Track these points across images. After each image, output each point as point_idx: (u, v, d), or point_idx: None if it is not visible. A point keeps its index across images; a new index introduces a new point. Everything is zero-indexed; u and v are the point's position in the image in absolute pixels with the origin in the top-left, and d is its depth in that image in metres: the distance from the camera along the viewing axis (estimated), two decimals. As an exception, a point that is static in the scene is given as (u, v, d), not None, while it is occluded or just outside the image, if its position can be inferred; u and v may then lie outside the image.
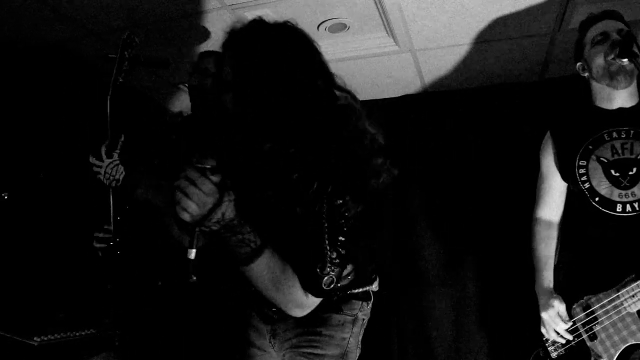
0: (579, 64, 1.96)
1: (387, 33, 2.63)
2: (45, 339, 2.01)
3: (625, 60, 1.75)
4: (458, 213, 2.99)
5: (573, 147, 1.91)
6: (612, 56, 1.79)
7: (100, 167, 1.78)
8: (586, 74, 1.94)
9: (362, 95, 3.38)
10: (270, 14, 2.46)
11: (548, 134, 2.03)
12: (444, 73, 3.01)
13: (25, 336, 2.00)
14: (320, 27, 2.57)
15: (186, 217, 1.16)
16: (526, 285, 2.06)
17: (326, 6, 2.39)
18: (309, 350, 1.51)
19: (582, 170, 1.87)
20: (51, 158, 2.85)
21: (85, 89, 3.02)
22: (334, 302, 1.53)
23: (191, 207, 1.14)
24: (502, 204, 2.86)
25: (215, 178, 1.16)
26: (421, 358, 2.94)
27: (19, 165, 2.71)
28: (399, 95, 3.28)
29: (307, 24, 2.56)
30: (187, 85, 2.23)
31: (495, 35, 2.59)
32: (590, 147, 1.87)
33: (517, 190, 2.63)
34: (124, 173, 1.79)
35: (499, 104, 3.05)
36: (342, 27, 2.58)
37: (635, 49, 1.72)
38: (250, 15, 2.44)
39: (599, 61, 1.84)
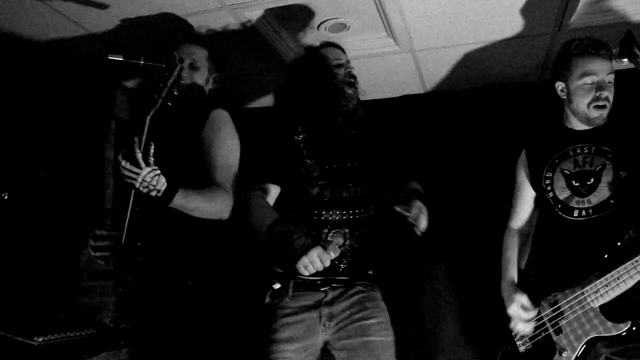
0: (559, 84, 2.07)
1: (387, 33, 2.63)
2: (46, 339, 2.01)
3: (625, 60, 1.77)
4: (458, 213, 2.99)
5: (542, 162, 2.12)
6: (595, 105, 1.94)
7: (138, 174, 1.71)
8: (564, 97, 2.07)
9: (362, 96, 3.38)
10: (271, 14, 2.46)
11: (523, 151, 2.23)
12: (444, 73, 3.01)
13: (25, 336, 2.00)
14: (320, 27, 2.57)
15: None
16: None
17: (326, 6, 2.39)
18: (374, 321, 1.95)
19: (547, 181, 2.07)
20: (51, 158, 2.85)
21: (85, 88, 3.03)
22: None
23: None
24: (502, 204, 2.86)
25: None
26: (421, 358, 2.94)
27: (19, 165, 2.71)
28: (399, 95, 3.28)
29: (307, 24, 2.56)
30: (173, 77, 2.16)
31: (495, 35, 2.59)
32: (557, 161, 2.07)
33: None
34: (166, 184, 1.75)
35: (499, 104, 3.05)
36: (342, 27, 2.58)
37: (635, 49, 1.74)
38: (250, 15, 2.44)
39: (582, 105, 1.99)
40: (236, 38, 2.61)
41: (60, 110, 2.90)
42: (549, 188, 2.07)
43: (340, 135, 2.07)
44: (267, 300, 2.02)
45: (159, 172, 1.74)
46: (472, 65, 2.89)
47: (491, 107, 3.05)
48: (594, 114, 1.96)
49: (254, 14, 2.44)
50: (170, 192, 1.78)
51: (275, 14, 2.47)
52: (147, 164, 1.72)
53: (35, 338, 1.99)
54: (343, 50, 2.19)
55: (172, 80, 1.92)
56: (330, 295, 1.95)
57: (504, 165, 2.90)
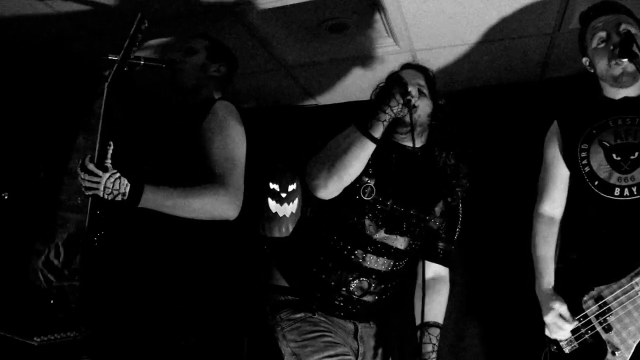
0: (585, 59, 1.96)
1: (387, 33, 2.62)
2: (45, 339, 2.01)
3: (625, 60, 1.75)
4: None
5: (577, 132, 1.91)
6: (615, 61, 1.80)
7: (98, 183, 1.58)
8: (592, 70, 1.94)
9: (362, 96, 3.37)
10: (270, 14, 2.46)
11: (555, 123, 2.01)
12: (444, 73, 3.01)
13: (25, 336, 2.01)
14: (320, 27, 2.57)
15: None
16: (529, 285, 2.04)
17: (326, 6, 2.39)
18: None
19: (583, 154, 1.86)
20: (51, 157, 2.85)
21: (85, 88, 3.03)
22: None
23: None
24: (502, 204, 2.86)
25: None
26: (421, 358, 2.94)
27: (19, 165, 2.71)
28: (399, 95, 3.28)
29: (307, 24, 2.56)
30: (165, 61, 2.01)
31: (495, 35, 2.59)
32: (594, 131, 1.86)
33: (517, 190, 2.63)
34: (129, 185, 1.61)
35: (499, 104, 3.05)
36: (342, 27, 2.58)
37: (635, 49, 1.72)
38: (250, 15, 2.44)
39: (602, 65, 1.86)
40: (235, 38, 2.61)
41: (60, 110, 2.90)
42: (584, 162, 1.85)
43: (403, 172, 1.90)
44: (286, 316, 1.86)
45: (118, 175, 1.61)
46: (472, 65, 2.89)
47: (491, 107, 3.05)
48: (617, 70, 1.80)
49: (253, 14, 2.44)
50: (136, 192, 1.62)
51: (275, 14, 2.47)
52: (105, 170, 1.60)
53: (34, 338, 1.99)
54: (420, 70, 2.05)
55: (129, 40, 1.75)
56: (360, 329, 1.90)
57: (504, 165, 2.91)
